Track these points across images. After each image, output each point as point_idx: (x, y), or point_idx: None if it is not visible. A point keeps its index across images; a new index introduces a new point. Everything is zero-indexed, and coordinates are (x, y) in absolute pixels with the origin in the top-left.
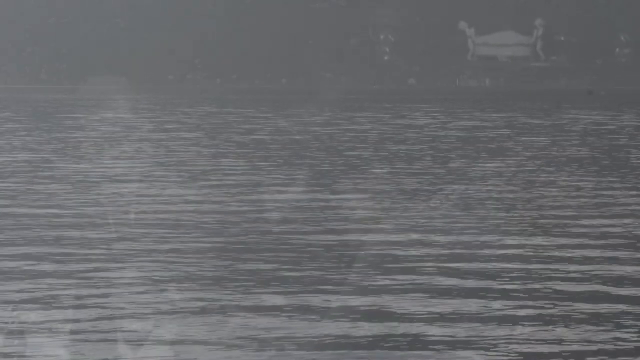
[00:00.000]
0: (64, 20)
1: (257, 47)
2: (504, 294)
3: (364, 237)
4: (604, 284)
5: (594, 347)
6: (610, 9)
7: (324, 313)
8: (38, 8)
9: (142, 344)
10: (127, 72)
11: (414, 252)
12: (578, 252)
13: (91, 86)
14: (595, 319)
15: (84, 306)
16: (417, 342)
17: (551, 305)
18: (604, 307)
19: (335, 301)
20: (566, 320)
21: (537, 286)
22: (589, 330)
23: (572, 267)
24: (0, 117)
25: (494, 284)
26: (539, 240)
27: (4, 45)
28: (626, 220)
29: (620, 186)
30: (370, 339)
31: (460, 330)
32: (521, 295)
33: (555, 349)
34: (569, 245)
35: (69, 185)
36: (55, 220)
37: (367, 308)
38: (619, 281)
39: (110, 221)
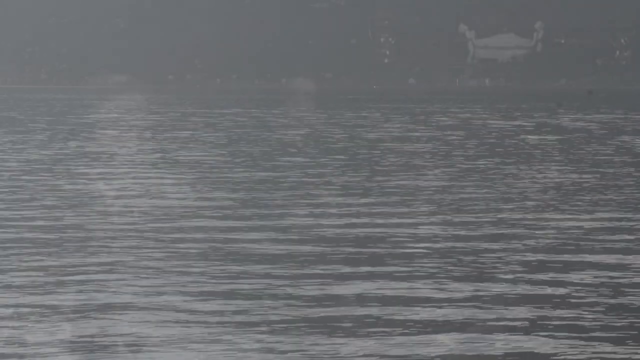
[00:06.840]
0: (64, 20)
1: (257, 47)
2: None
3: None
4: None
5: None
6: (610, 12)
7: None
8: (38, 8)
9: (142, 348)
10: (127, 72)
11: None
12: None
13: (91, 86)
14: None
15: (86, 308)
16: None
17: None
18: None
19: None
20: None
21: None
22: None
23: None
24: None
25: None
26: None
27: (4, 45)
28: None
29: None
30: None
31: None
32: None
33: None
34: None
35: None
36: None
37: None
38: None
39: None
